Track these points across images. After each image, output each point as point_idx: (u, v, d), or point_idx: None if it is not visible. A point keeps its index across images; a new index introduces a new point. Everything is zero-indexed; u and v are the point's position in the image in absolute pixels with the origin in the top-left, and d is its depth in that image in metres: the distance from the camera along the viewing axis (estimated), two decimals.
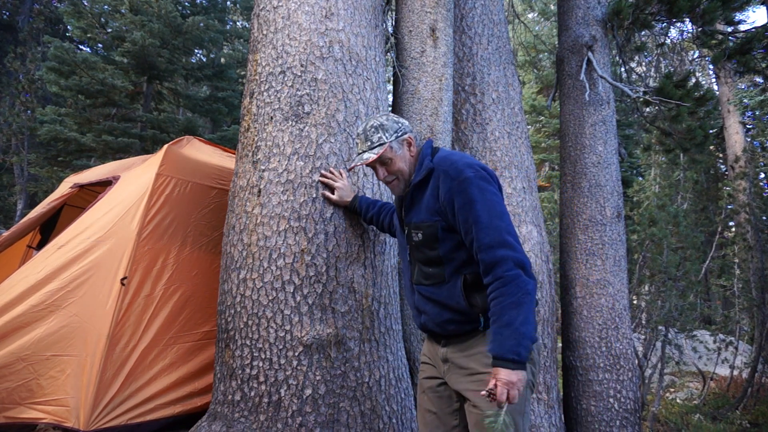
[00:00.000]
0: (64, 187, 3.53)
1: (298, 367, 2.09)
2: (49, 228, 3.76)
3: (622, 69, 4.82)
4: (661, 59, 9.88)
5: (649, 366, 5.25)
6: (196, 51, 10.47)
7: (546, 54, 12.69)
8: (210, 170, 3.09)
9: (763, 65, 4.70)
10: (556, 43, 4.45)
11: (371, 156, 1.74)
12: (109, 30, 8.94)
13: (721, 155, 13.17)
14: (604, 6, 4.07)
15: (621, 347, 3.54)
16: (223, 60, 11.72)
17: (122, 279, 2.56)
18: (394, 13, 3.26)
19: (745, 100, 10.50)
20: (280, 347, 2.10)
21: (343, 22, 2.44)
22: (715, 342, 6.64)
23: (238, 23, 14.75)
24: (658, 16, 4.07)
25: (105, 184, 3.20)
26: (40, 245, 3.65)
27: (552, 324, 3.23)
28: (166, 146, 3.02)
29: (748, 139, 10.83)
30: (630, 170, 12.33)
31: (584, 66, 3.84)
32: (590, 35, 3.94)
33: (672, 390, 6.90)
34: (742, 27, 5.39)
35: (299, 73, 2.33)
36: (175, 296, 2.76)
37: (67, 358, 2.44)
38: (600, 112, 3.86)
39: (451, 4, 3.19)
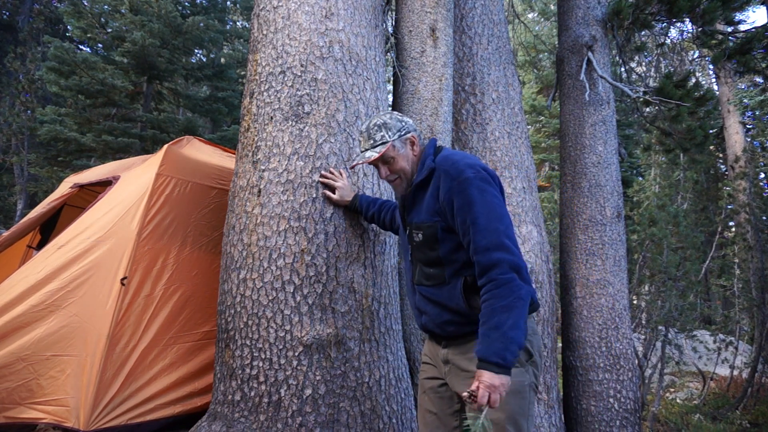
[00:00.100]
0: (64, 187, 3.53)
1: (298, 367, 2.09)
2: (49, 228, 3.76)
3: (622, 69, 4.82)
4: (661, 59, 9.88)
5: (649, 366, 5.25)
6: (196, 51, 10.47)
7: (546, 54, 12.69)
8: (210, 170, 3.09)
9: (763, 65, 4.70)
10: (556, 43, 4.45)
11: (373, 155, 1.73)
12: (109, 30, 8.94)
13: (721, 155, 13.17)
14: (604, 6, 4.07)
15: (621, 347, 3.54)
16: (223, 60, 11.72)
17: (122, 279, 2.56)
18: (394, 13, 3.26)
19: (745, 100, 10.50)
20: (280, 347, 2.10)
21: (343, 22, 2.44)
22: (715, 342, 6.64)
23: (238, 23, 14.75)
24: (658, 16, 4.07)
25: (105, 184, 3.20)
26: (40, 245, 3.65)
27: (552, 324, 3.23)
28: (166, 146, 3.02)
29: (748, 139, 10.83)
30: (630, 170, 12.32)
31: (584, 66, 3.84)
32: (590, 35, 3.94)
33: (672, 390, 6.90)
34: (742, 27, 5.39)
35: (299, 73, 2.33)
36: (175, 296, 2.76)
37: (67, 358, 2.44)
38: (600, 112, 3.86)
39: (451, 4, 3.19)
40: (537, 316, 3.03)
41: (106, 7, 8.82)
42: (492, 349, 1.42)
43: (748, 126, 11.17)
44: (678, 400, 6.34)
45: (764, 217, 7.13)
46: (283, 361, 2.10)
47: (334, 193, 2.19)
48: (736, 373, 6.66)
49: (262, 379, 2.10)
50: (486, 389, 1.40)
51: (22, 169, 11.07)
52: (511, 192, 3.19)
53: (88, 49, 10.09)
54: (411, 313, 2.76)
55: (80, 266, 2.57)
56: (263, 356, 2.11)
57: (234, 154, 3.40)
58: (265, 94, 2.37)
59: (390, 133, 1.74)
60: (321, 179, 2.22)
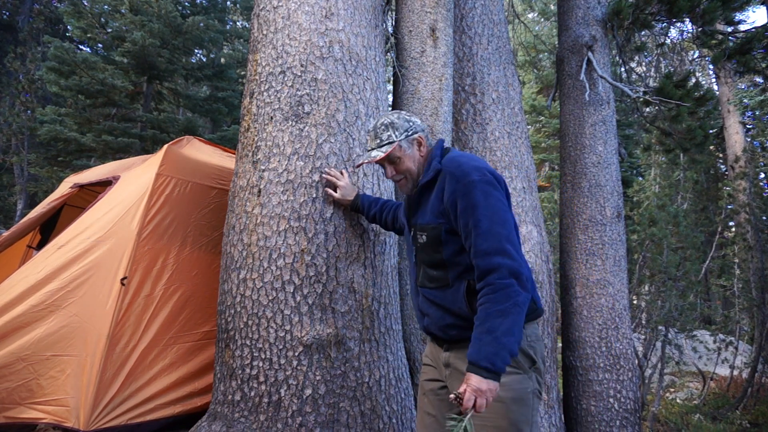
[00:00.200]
0: (64, 187, 3.53)
1: (298, 367, 2.09)
2: (49, 228, 3.76)
3: (622, 69, 4.82)
4: (661, 59, 9.88)
5: (649, 366, 5.25)
6: (196, 51, 10.47)
7: (546, 54, 12.69)
8: (210, 170, 3.09)
9: (763, 65, 4.70)
10: (556, 43, 4.45)
11: (379, 154, 1.72)
12: (109, 30, 8.94)
13: (721, 155, 13.17)
14: (604, 6, 4.07)
15: (621, 347, 3.54)
16: (223, 60, 11.72)
17: (122, 279, 2.56)
18: (394, 13, 3.26)
19: (745, 100, 10.50)
20: (280, 347, 2.10)
21: (343, 22, 2.44)
22: (715, 342, 6.64)
23: (238, 23, 14.76)
24: (658, 16, 4.07)
25: (105, 184, 3.20)
26: (40, 245, 3.65)
27: (552, 324, 3.23)
28: (166, 146, 3.02)
29: (748, 139, 10.83)
30: (630, 170, 12.33)
31: (584, 66, 3.84)
32: (590, 35, 3.94)
33: (672, 390, 6.90)
34: (742, 27, 5.40)
35: (299, 73, 2.33)
36: (175, 296, 2.76)
37: (67, 358, 2.44)
38: (600, 112, 3.86)
39: (451, 4, 3.19)
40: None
41: (106, 7, 8.82)
42: (482, 353, 1.40)
43: (748, 126, 11.17)
44: (678, 400, 6.34)
45: (764, 217, 7.13)
46: (283, 361, 2.10)
47: (336, 192, 2.19)
48: (736, 373, 6.66)
49: (262, 379, 2.10)
50: (472, 393, 1.38)
51: (22, 169, 11.08)
52: (511, 192, 3.20)
53: (88, 49, 10.09)
54: (411, 313, 2.76)
55: (80, 266, 2.57)
56: (263, 356, 2.11)
57: (234, 154, 3.40)
58: (265, 94, 2.37)
59: (397, 133, 1.73)
60: (324, 176, 2.22)
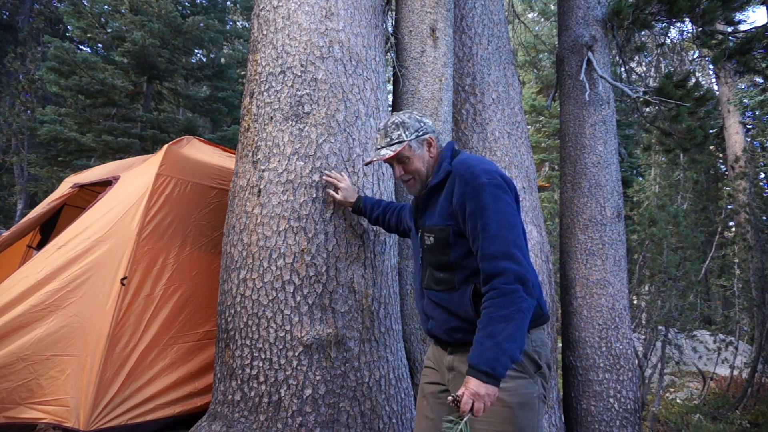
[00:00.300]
0: (64, 187, 3.53)
1: (298, 367, 2.09)
2: (49, 228, 3.76)
3: (622, 69, 4.82)
4: (661, 59, 9.88)
5: (649, 366, 5.25)
6: (196, 51, 10.48)
7: (546, 54, 12.69)
8: (210, 170, 3.09)
9: (763, 65, 4.70)
10: (556, 43, 4.45)
11: (388, 153, 1.71)
12: (109, 30, 8.94)
13: (721, 155, 13.17)
14: (604, 6, 4.07)
15: (621, 347, 3.54)
16: (223, 60, 11.72)
17: (122, 279, 2.56)
18: (394, 13, 3.26)
19: (745, 100, 10.50)
20: (280, 347, 2.10)
21: (343, 22, 2.44)
22: (715, 342, 6.64)
23: (238, 23, 14.76)
24: (658, 16, 4.07)
25: (105, 184, 3.20)
26: (40, 245, 3.66)
27: (552, 324, 3.23)
28: (166, 146, 3.02)
29: (748, 139, 10.83)
30: (630, 170, 12.33)
31: (584, 66, 3.84)
32: (590, 35, 3.94)
33: (672, 390, 6.90)
34: (742, 27, 5.40)
35: (299, 73, 2.33)
36: (175, 296, 2.76)
37: (67, 358, 2.44)
38: (600, 112, 3.86)
39: (451, 4, 3.19)
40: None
41: (106, 7, 8.82)
42: (483, 357, 1.39)
43: (748, 126, 11.17)
44: (678, 400, 6.34)
45: (764, 217, 7.13)
46: (283, 361, 2.10)
47: (337, 194, 2.19)
48: (736, 373, 6.66)
49: (262, 379, 2.10)
50: (470, 396, 1.37)
51: (22, 169, 11.08)
52: None
53: (88, 49, 10.09)
54: (411, 313, 2.76)
55: (80, 266, 2.57)
56: (263, 356, 2.11)
57: (234, 154, 3.40)
58: (265, 94, 2.37)
59: (407, 133, 1.72)
60: (325, 179, 2.22)
